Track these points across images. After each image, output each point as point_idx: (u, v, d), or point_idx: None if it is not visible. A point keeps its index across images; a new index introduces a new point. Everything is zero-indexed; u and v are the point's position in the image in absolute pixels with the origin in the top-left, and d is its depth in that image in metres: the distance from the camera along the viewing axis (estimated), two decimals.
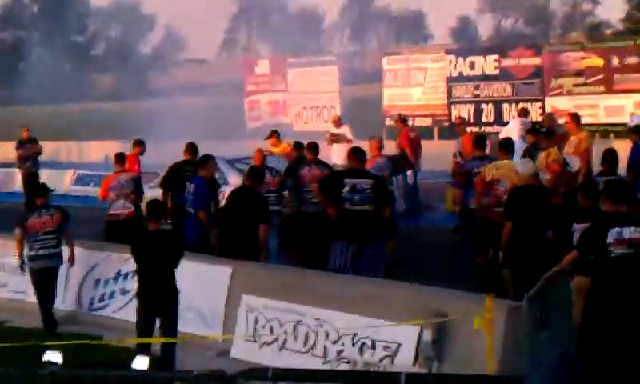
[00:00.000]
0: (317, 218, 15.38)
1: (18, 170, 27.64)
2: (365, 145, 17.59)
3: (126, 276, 14.17)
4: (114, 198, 17.05)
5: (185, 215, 15.36)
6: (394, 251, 15.93)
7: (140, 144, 20.35)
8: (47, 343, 10.50)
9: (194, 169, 16.43)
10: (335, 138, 23.25)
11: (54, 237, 14.39)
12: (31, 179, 25.02)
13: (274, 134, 21.57)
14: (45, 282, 14.45)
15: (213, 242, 14.37)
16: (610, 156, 14.30)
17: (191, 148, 17.63)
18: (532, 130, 18.28)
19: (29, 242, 14.43)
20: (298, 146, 18.53)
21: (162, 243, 11.47)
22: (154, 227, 11.60)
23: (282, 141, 21.54)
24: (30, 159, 25.81)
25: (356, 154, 14.11)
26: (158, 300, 11.40)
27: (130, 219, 16.77)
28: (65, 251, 14.51)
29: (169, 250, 11.47)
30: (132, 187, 17.16)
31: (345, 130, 23.66)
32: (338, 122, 24.56)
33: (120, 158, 17.91)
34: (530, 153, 15.93)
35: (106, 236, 16.88)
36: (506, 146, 15.18)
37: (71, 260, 14.56)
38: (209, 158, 15.79)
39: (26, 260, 14.47)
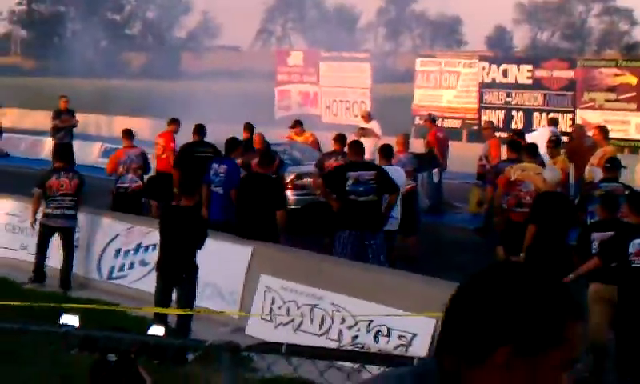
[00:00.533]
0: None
1: (50, 138, 27.67)
2: (392, 141, 17.71)
3: (146, 248, 14.27)
4: (123, 171, 17.55)
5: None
6: (415, 246, 16.16)
7: (175, 122, 20.44)
8: (65, 305, 10.65)
9: (212, 150, 17.34)
10: (364, 133, 23.30)
11: (70, 199, 14.86)
12: (62, 150, 25.11)
13: (298, 124, 22.36)
14: (49, 238, 14.93)
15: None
16: (612, 163, 14.36)
17: (199, 129, 18.28)
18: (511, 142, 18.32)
19: (46, 201, 14.89)
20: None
21: (188, 219, 11.52)
22: (185, 203, 11.66)
23: (305, 131, 22.06)
24: (63, 130, 25.77)
25: (355, 147, 14.46)
26: (177, 273, 11.46)
27: (138, 192, 17.58)
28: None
29: (194, 227, 11.52)
30: (140, 162, 17.69)
31: (374, 126, 23.73)
32: (367, 117, 24.65)
33: (128, 133, 18.34)
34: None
35: (113, 207, 17.29)
36: (533, 149, 15.37)
37: None
38: (239, 143, 16.15)
39: (38, 217, 14.92)
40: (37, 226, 15.10)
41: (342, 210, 13.73)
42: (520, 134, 21.31)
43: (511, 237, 13.61)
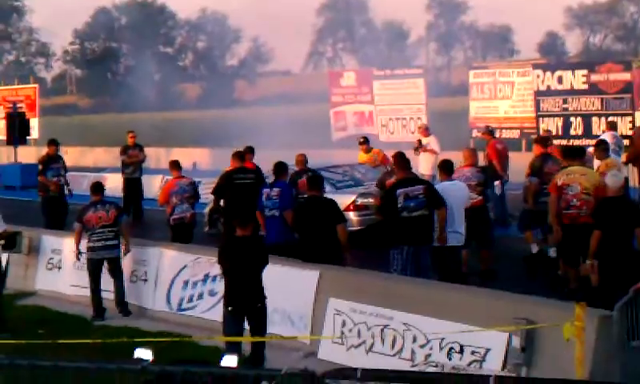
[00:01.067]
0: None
1: (110, 174, 27.95)
2: (451, 156, 17.69)
3: (214, 278, 14.35)
4: (177, 202, 17.92)
5: (256, 221, 15.36)
6: (489, 259, 16.39)
7: (250, 150, 20.57)
8: (138, 339, 10.74)
9: (253, 176, 17.93)
10: (423, 149, 23.32)
11: (110, 230, 15.51)
12: (131, 185, 25.42)
13: (365, 142, 22.44)
14: (99, 271, 15.53)
15: None
16: None
17: (239, 155, 18.48)
18: (541, 140, 18.60)
19: (88, 235, 15.56)
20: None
21: (249, 249, 11.57)
22: (241, 234, 11.70)
23: (373, 148, 21.95)
24: (132, 165, 25.87)
25: (401, 161, 14.57)
26: (247, 304, 11.48)
27: (192, 221, 18.05)
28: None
29: (255, 256, 11.57)
30: (192, 192, 18.16)
31: (431, 140, 23.68)
32: (425, 131, 24.60)
33: (176, 164, 18.72)
34: (536, 163, 16.94)
35: (174, 237, 17.71)
36: (575, 153, 15.56)
37: (126, 249, 15.72)
38: (286, 166, 16.48)
39: (82, 251, 15.63)
40: (83, 261, 15.79)
41: (397, 227, 13.89)
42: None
43: (564, 239, 14.37)
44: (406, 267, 13.73)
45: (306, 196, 15.04)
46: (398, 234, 13.89)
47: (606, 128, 23.07)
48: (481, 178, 16.70)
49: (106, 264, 15.65)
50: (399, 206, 13.86)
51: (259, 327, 11.51)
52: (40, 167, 22.41)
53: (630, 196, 18.66)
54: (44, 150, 24.05)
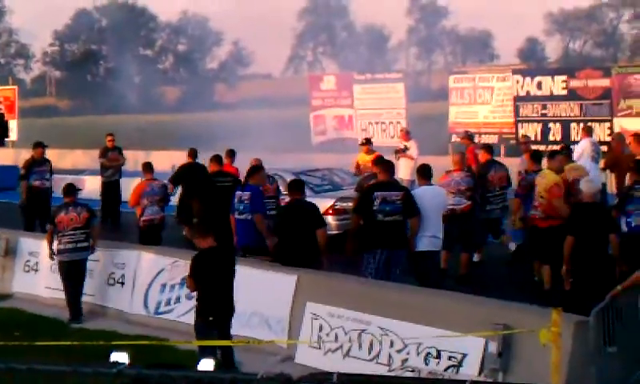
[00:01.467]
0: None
1: (88, 177, 27.76)
2: (430, 160, 17.77)
3: None
4: (147, 204, 18.05)
5: (227, 225, 15.77)
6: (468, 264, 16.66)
7: (232, 153, 20.62)
8: (114, 343, 10.69)
9: (232, 179, 18.04)
10: (401, 155, 23.35)
11: (81, 232, 15.46)
12: (109, 188, 25.27)
13: (368, 143, 22.04)
14: (72, 273, 15.50)
15: (270, 248, 14.87)
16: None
17: (217, 159, 18.79)
18: (486, 147, 18.92)
19: (58, 237, 15.54)
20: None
21: (220, 260, 11.51)
22: (205, 245, 11.64)
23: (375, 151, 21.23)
24: (111, 168, 25.70)
25: (383, 165, 14.76)
26: (223, 314, 11.39)
27: (161, 223, 18.18)
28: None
29: (227, 266, 11.49)
30: (162, 194, 18.38)
31: (412, 145, 23.69)
32: (406, 135, 24.63)
33: (149, 166, 18.91)
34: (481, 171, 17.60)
35: (142, 239, 17.75)
36: (536, 157, 17.04)
37: (92, 250, 15.68)
38: (259, 168, 16.46)
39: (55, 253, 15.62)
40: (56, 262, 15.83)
41: (370, 230, 14.05)
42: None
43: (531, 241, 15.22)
44: (378, 270, 13.87)
45: (287, 200, 14.96)
46: (372, 237, 14.04)
47: (583, 134, 23.04)
48: (470, 182, 16.82)
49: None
50: (375, 208, 14.00)
51: (227, 333, 11.43)
52: (22, 171, 22.01)
53: (607, 202, 18.80)
54: (23, 153, 23.89)
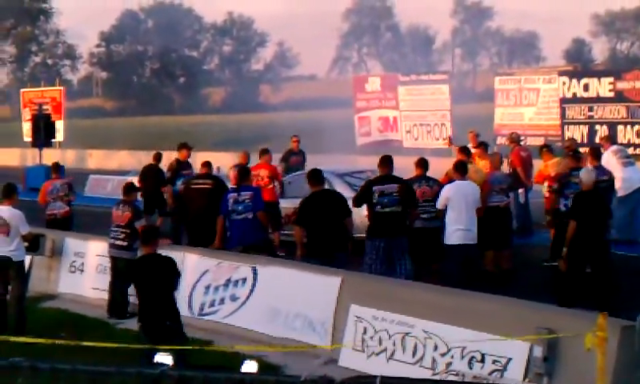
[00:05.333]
0: (423, 232, 16.03)
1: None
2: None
3: (236, 283, 14.38)
4: (51, 200, 19.54)
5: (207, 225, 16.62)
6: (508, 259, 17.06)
7: (268, 152, 20.68)
8: (159, 346, 10.70)
9: (211, 182, 18.23)
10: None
11: (122, 231, 15.79)
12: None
13: (481, 145, 20.78)
14: (116, 270, 15.84)
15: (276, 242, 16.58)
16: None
17: (207, 164, 18.97)
18: (463, 149, 18.98)
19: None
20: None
21: (154, 268, 11.37)
22: (146, 252, 11.61)
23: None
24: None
25: (383, 161, 15.50)
26: (154, 322, 11.28)
27: (67, 217, 19.79)
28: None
29: (161, 275, 11.35)
30: (66, 190, 19.93)
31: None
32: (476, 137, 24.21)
33: (55, 166, 20.81)
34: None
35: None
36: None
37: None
38: (249, 170, 17.49)
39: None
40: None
41: (371, 221, 15.12)
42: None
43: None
44: (378, 257, 14.85)
45: (313, 191, 15.19)
46: (372, 227, 15.08)
47: (606, 143, 22.10)
48: (510, 181, 17.89)
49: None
50: (374, 201, 14.97)
51: (164, 340, 11.04)
52: (168, 174, 21.54)
53: None
54: (68, 153, 24.04)
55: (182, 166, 21.22)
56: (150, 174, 23.01)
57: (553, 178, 17.86)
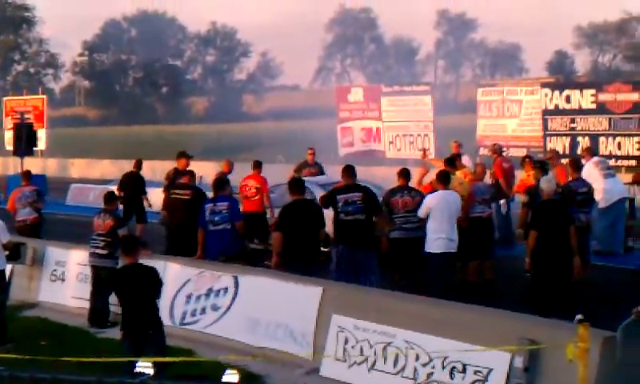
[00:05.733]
0: (405, 242, 16.10)
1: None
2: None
3: (217, 292, 14.34)
4: (20, 207, 19.74)
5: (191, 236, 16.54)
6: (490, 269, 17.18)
7: (260, 165, 20.70)
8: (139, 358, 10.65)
9: (190, 192, 18.05)
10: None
11: (102, 239, 15.79)
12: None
13: (457, 157, 20.52)
14: (94, 279, 15.92)
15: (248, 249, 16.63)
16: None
17: (191, 173, 18.98)
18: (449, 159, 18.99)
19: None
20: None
21: (135, 279, 11.31)
22: (128, 262, 11.59)
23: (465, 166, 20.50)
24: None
25: (346, 171, 15.80)
26: (137, 330, 11.25)
27: (36, 223, 19.97)
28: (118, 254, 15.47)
29: (143, 285, 11.29)
30: (35, 197, 20.06)
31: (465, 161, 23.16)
32: (459, 148, 24.15)
33: (26, 174, 21.03)
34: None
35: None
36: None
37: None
38: (227, 181, 17.48)
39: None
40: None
41: (336, 228, 15.35)
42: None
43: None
44: (339, 263, 15.21)
45: (294, 199, 15.30)
46: (337, 234, 15.35)
47: (587, 155, 21.91)
48: (493, 192, 18.07)
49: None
50: (339, 209, 15.26)
51: (154, 354, 10.82)
52: (165, 183, 21.04)
53: (635, 216, 18.97)
54: (50, 162, 23.94)
55: (179, 176, 20.78)
56: (130, 181, 23.13)
57: (523, 191, 18.31)
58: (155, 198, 26.57)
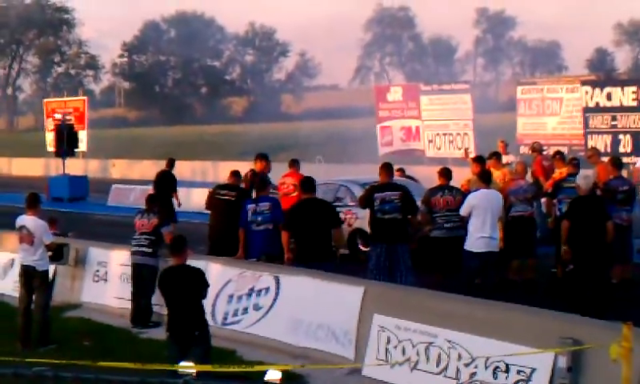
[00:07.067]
0: (447, 241, 16.19)
1: None
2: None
3: (259, 292, 14.35)
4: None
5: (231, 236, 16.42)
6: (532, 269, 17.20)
7: (296, 163, 20.46)
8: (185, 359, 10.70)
9: (235, 193, 17.79)
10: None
11: (146, 237, 15.85)
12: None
13: (494, 156, 20.41)
14: (135, 277, 15.99)
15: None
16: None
17: (234, 174, 18.66)
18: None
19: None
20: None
21: (183, 279, 11.33)
22: (176, 262, 11.59)
23: (504, 165, 20.60)
24: None
25: (384, 169, 15.93)
26: (183, 332, 11.25)
27: None
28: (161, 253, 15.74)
29: (190, 286, 11.31)
30: None
31: (509, 159, 23.14)
32: (505, 147, 24.11)
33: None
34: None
35: None
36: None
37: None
38: (268, 181, 17.48)
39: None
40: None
41: (373, 227, 15.61)
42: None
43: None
44: (379, 262, 15.30)
45: (304, 198, 15.31)
46: (373, 233, 15.62)
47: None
48: (534, 190, 18.01)
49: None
50: (376, 207, 15.40)
51: (200, 355, 10.95)
52: (243, 186, 19.61)
53: None
54: (91, 163, 24.08)
55: (258, 178, 20.37)
56: (162, 180, 23.52)
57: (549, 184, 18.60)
58: (196, 197, 26.79)
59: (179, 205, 24.20)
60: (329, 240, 14.84)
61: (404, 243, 15.44)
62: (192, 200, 29.41)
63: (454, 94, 37.77)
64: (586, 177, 15.65)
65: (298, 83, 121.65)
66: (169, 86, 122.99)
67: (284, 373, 8.78)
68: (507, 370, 10.48)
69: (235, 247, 16.20)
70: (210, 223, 18.29)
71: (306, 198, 15.14)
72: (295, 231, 14.85)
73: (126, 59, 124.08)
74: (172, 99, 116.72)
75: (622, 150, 30.09)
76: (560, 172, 19.00)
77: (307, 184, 15.32)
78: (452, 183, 16.99)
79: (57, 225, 18.98)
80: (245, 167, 20.67)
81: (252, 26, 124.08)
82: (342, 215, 18.11)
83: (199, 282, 11.37)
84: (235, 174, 18.68)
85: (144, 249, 15.82)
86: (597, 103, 31.56)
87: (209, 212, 18.59)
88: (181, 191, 25.81)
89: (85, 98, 51.28)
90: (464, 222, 15.55)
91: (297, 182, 19.79)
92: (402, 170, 22.77)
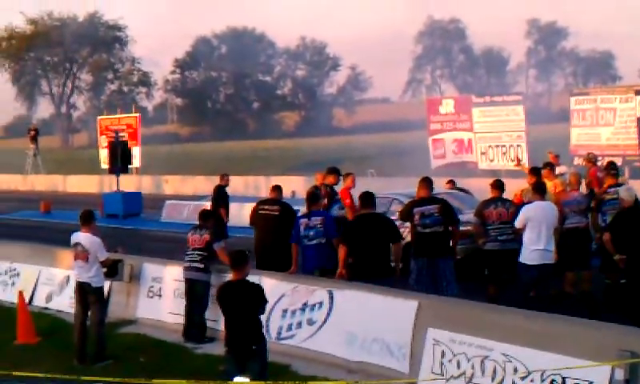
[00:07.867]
0: (500, 254, 16.04)
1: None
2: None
3: (313, 307, 14.36)
4: None
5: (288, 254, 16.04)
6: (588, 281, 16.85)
7: (350, 175, 20.05)
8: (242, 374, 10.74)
9: (278, 208, 17.44)
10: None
11: (199, 253, 15.95)
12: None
13: (548, 166, 20.04)
14: (188, 291, 16.07)
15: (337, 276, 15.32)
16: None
17: (276, 188, 18.35)
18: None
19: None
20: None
21: (240, 294, 11.25)
22: (235, 277, 11.50)
23: (556, 176, 19.95)
24: None
25: (422, 184, 15.87)
26: (241, 346, 11.24)
27: None
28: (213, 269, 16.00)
29: (248, 300, 11.24)
30: None
31: (562, 169, 22.96)
32: (556, 158, 23.88)
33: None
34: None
35: None
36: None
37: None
38: (319, 195, 16.94)
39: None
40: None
41: (414, 241, 15.57)
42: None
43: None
44: (420, 277, 15.23)
45: (362, 213, 15.20)
46: (415, 247, 15.53)
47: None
48: (588, 202, 17.60)
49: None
50: (416, 222, 15.41)
51: (257, 369, 11.03)
52: (325, 201, 18.99)
53: None
54: (145, 179, 24.12)
55: (335, 192, 19.26)
56: (215, 195, 23.97)
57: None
58: (248, 212, 26.81)
59: (227, 221, 24.37)
60: (387, 256, 14.71)
61: (446, 256, 15.40)
62: (244, 215, 29.46)
63: (507, 105, 37.61)
64: (628, 189, 15.77)
65: (349, 97, 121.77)
66: (221, 101, 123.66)
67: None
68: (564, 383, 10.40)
69: (280, 261, 16.15)
70: (255, 238, 18.20)
71: (365, 213, 15.07)
72: (353, 246, 14.75)
73: (178, 75, 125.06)
74: (224, 115, 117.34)
75: None
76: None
77: (367, 199, 15.19)
78: (505, 195, 16.89)
79: (123, 248, 18.97)
80: (297, 182, 20.66)
81: (303, 41, 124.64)
82: None
83: (258, 298, 11.38)
84: (277, 188, 18.43)
85: (196, 264, 15.91)
86: None
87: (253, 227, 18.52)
88: (233, 206, 25.93)
89: (137, 114, 51.58)
90: (517, 234, 15.46)
91: (344, 197, 19.40)
92: (452, 182, 22.72)
